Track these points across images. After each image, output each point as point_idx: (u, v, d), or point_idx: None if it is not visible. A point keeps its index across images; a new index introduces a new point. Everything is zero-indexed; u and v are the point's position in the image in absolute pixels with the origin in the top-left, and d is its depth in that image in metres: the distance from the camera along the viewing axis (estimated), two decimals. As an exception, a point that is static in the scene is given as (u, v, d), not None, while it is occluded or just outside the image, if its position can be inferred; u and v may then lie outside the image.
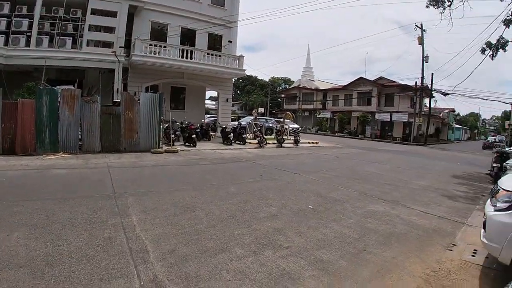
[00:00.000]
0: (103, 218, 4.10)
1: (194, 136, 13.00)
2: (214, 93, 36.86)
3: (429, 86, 29.60)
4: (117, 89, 14.18)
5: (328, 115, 40.88)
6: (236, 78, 32.54)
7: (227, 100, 19.19)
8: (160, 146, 11.25)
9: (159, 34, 17.06)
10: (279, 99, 53.06)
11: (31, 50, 14.20)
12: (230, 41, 18.58)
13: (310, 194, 6.15)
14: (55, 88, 10.54)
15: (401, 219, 4.89)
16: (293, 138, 17.66)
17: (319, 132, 39.01)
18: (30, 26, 14.53)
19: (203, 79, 17.62)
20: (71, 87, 11.90)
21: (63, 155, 9.50)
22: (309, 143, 19.01)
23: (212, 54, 16.83)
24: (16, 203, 4.53)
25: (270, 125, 22.98)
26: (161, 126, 11.48)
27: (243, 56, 17.99)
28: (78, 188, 5.77)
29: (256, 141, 15.18)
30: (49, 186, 5.79)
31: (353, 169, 10.04)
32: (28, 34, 14.48)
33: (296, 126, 25.69)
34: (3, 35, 14.20)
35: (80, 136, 10.09)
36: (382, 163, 12.22)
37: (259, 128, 16.49)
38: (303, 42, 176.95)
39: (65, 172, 7.25)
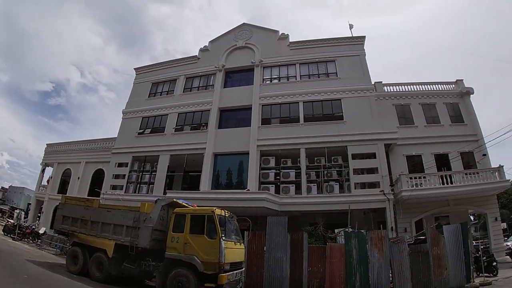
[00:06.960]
0: None
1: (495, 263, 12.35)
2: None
3: None
4: (391, 227, 14.28)
5: None
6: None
7: (496, 219, 16.76)
8: (472, 280, 10.64)
9: (413, 165, 17.36)
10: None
11: (302, 197, 16.17)
12: (484, 155, 17.42)
13: None
14: (362, 231, 11.29)
15: None
16: None
17: None
18: (296, 176, 16.81)
19: (466, 202, 16.19)
20: (346, 229, 12.42)
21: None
22: None
23: (470, 173, 15.58)
24: None
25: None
26: (471, 259, 11.02)
27: (502, 166, 15.91)
28: None
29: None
30: None
31: None
32: (296, 183, 16.62)
33: None
34: (273, 185, 16.84)
35: (390, 278, 10.08)
36: None
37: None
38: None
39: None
